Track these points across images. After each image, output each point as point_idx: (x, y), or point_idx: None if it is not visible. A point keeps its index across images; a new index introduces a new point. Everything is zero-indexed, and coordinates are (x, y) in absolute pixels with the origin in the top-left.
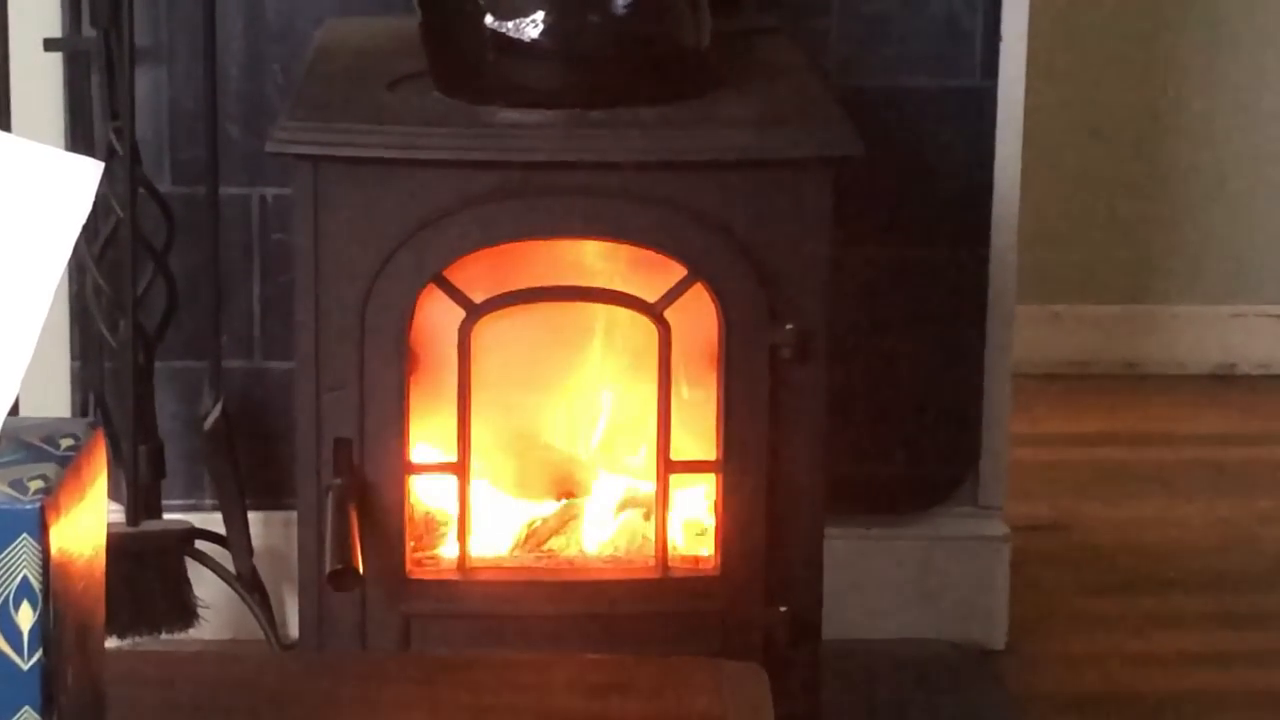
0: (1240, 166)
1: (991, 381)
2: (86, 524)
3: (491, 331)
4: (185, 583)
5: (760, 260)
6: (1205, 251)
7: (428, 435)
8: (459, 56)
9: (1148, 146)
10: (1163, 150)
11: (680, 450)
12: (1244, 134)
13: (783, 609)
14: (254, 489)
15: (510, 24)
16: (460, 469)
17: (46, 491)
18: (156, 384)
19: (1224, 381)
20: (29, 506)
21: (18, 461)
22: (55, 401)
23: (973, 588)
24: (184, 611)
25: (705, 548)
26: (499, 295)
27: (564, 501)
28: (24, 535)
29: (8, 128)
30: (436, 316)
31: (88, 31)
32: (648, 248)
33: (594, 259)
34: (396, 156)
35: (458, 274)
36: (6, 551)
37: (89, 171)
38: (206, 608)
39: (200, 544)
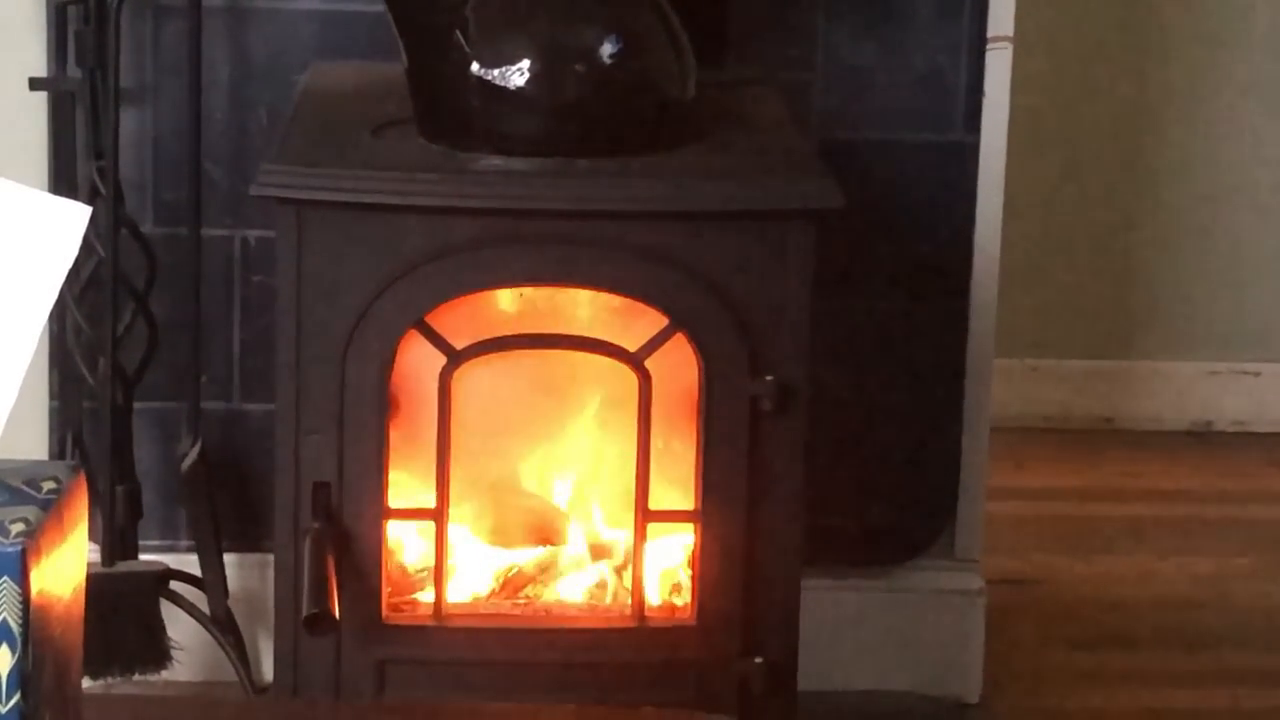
0: (1218, 224)
1: (969, 434)
2: (67, 567)
3: (472, 378)
4: (160, 624)
5: (741, 311)
6: (1183, 308)
7: (407, 481)
8: (445, 103)
9: (1127, 203)
10: (1142, 207)
11: (658, 500)
12: (1222, 193)
13: (758, 659)
14: (230, 531)
15: (496, 71)
16: (438, 515)
17: (28, 535)
18: (135, 424)
19: (1200, 438)
20: (10, 549)
21: None
22: (33, 441)
23: (948, 641)
24: (158, 653)
25: (681, 597)
26: (480, 342)
27: (541, 549)
28: (4, 578)
29: None
30: (417, 362)
31: (73, 71)
32: (629, 297)
33: (576, 307)
34: (380, 202)
35: (439, 320)
36: None
37: (76, 216)
38: (181, 649)
39: (175, 585)
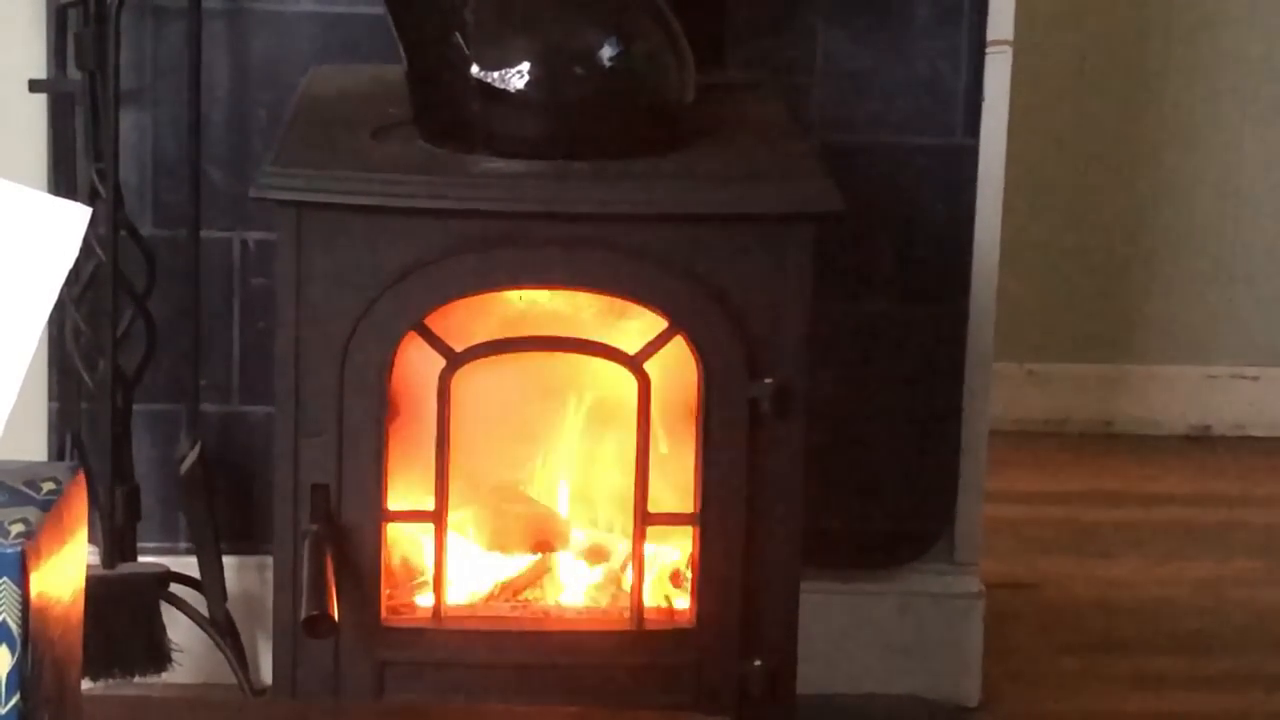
0: (1216, 229)
1: (968, 438)
2: (66, 568)
3: (471, 381)
4: (160, 626)
5: (740, 314)
6: (1181, 312)
7: (406, 483)
8: (444, 105)
9: (1126, 207)
10: (1141, 210)
11: (658, 503)
12: (1221, 197)
13: (757, 663)
14: (229, 533)
15: (496, 74)
16: (438, 517)
17: (27, 536)
18: (134, 426)
19: (1199, 442)
20: (9, 550)
21: None
22: (32, 442)
23: (947, 645)
24: (157, 655)
25: (681, 600)
26: (479, 344)
27: (540, 552)
28: (4, 579)
29: None
30: (417, 364)
31: (73, 74)
32: (629, 299)
33: (575, 309)
34: (379, 204)
35: (439, 322)
36: None
37: (76, 217)
38: (180, 651)
39: (175, 587)
